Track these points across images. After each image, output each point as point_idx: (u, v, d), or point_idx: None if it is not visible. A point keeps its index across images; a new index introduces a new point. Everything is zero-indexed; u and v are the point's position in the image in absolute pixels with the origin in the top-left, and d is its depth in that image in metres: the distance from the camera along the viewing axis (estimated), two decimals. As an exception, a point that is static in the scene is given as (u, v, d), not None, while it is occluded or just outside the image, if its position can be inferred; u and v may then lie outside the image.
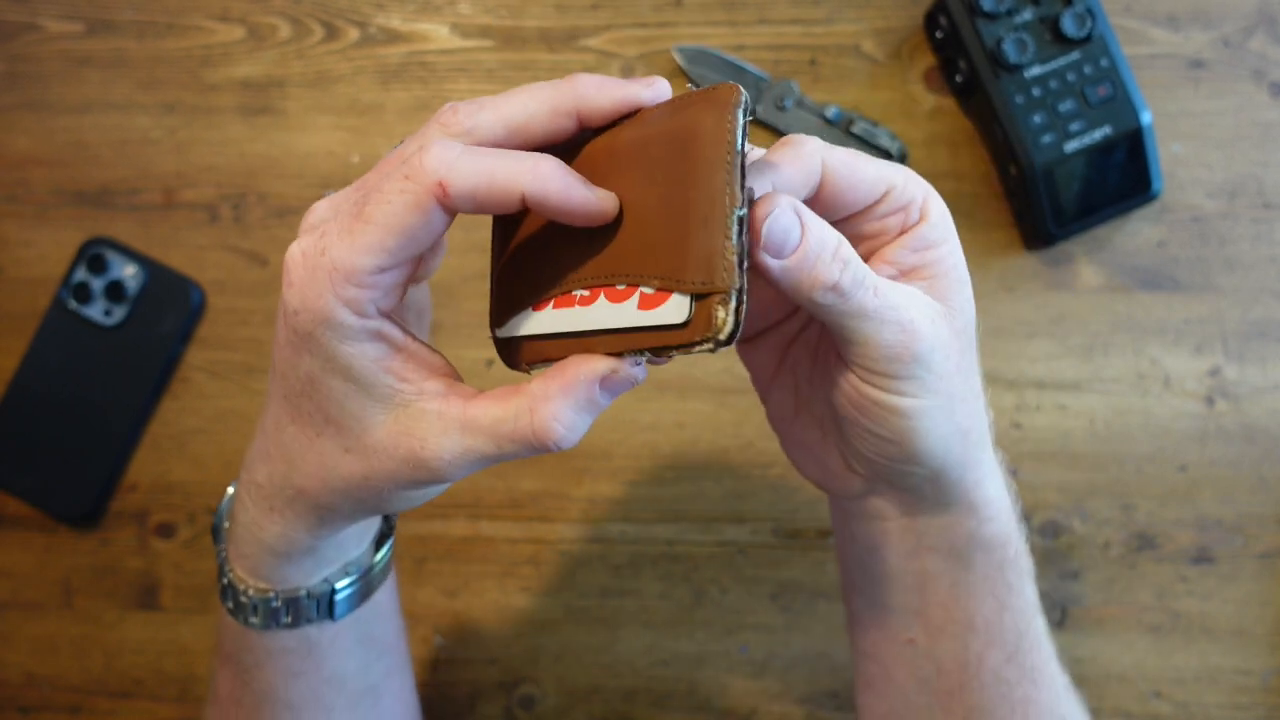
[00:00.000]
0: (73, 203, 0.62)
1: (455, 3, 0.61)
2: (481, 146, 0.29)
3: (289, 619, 0.38)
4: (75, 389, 0.61)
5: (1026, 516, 0.58)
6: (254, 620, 0.37)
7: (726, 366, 0.59)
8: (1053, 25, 0.54)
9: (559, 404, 0.29)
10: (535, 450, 0.30)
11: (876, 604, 0.40)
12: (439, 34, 0.61)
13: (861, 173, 0.32)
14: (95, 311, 0.60)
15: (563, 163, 0.29)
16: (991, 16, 0.54)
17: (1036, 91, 0.55)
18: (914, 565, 0.38)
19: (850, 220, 0.33)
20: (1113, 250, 0.59)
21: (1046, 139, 0.55)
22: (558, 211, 0.29)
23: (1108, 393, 0.58)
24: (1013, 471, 0.58)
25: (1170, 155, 0.59)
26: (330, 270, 0.29)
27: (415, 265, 0.30)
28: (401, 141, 0.32)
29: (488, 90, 0.61)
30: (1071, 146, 0.55)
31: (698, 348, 0.27)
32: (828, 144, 0.32)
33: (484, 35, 0.61)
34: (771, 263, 0.29)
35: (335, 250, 0.29)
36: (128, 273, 0.60)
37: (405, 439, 0.30)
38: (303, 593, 0.37)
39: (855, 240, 0.33)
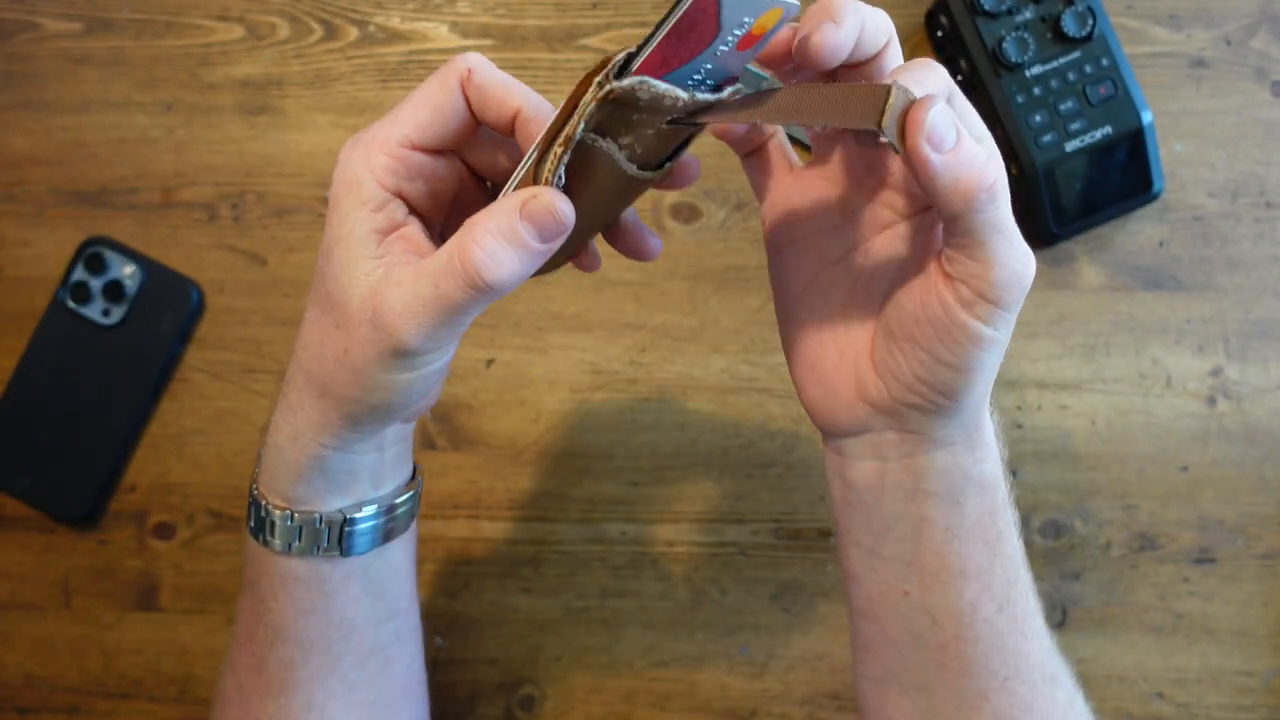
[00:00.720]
0: (71, 202, 0.62)
1: (455, 2, 0.61)
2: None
3: (301, 542, 0.39)
4: (74, 389, 0.61)
5: (1027, 517, 0.58)
6: (271, 540, 0.39)
7: (726, 366, 0.59)
8: (1054, 24, 0.54)
9: (481, 231, 0.31)
10: (473, 288, 0.31)
11: (873, 555, 0.40)
12: (438, 33, 0.61)
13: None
14: (94, 311, 0.60)
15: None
16: (992, 15, 0.54)
17: (1037, 91, 0.55)
18: (911, 509, 0.38)
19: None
20: (1114, 250, 0.59)
21: (1047, 138, 0.55)
22: (536, 135, 0.33)
23: (1109, 393, 0.58)
24: (1013, 473, 0.58)
25: (1172, 154, 0.58)
26: (368, 141, 0.34)
27: (447, 177, 0.35)
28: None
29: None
30: (1072, 146, 0.55)
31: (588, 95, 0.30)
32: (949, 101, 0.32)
33: (484, 34, 0.61)
34: (932, 157, 0.30)
35: (375, 127, 0.34)
36: (126, 272, 0.60)
37: (371, 298, 0.33)
38: (316, 516, 0.38)
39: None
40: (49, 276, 0.61)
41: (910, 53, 0.59)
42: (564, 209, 0.32)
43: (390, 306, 0.32)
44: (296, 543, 0.39)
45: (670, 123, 0.31)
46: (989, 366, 0.34)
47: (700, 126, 0.32)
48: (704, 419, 0.59)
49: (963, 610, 0.38)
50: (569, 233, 0.32)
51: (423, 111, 0.34)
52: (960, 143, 0.30)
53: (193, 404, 0.61)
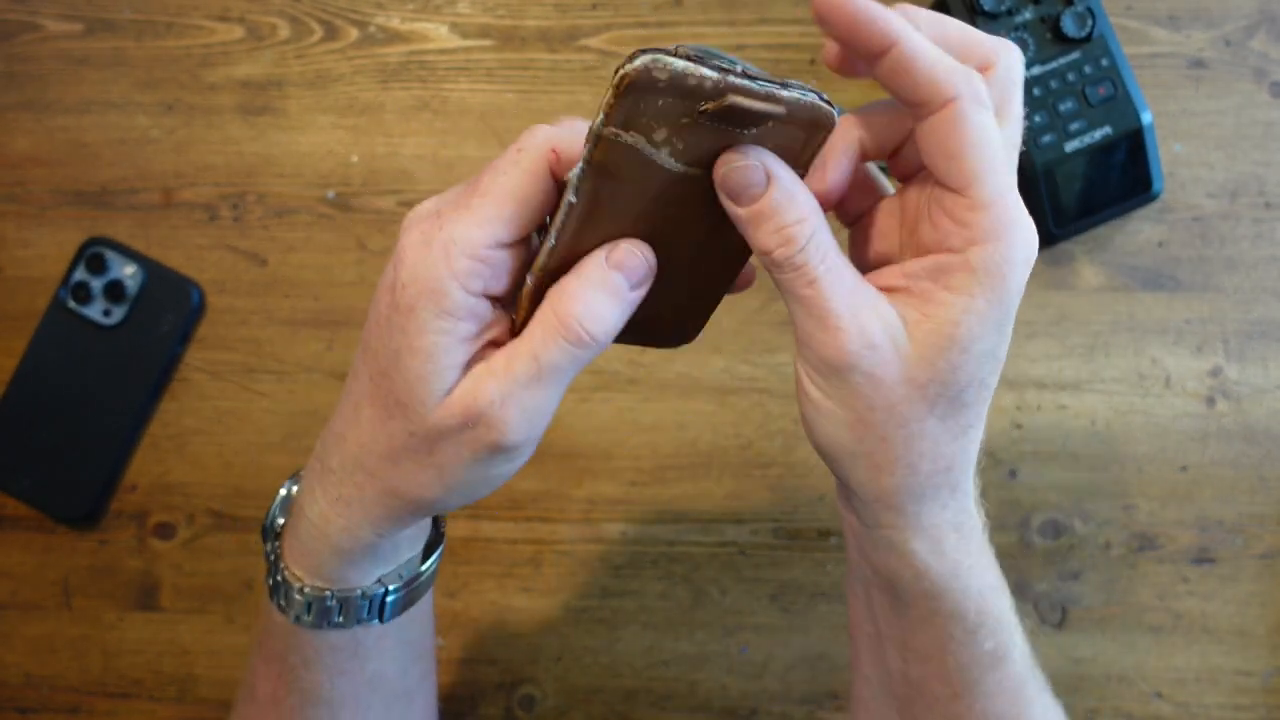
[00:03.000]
0: (72, 202, 0.62)
1: (455, 2, 0.61)
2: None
3: (341, 618, 0.37)
4: (74, 389, 0.61)
5: (1027, 517, 0.58)
6: (305, 618, 0.37)
7: (726, 366, 0.59)
8: (1053, 25, 0.54)
9: (575, 287, 0.30)
10: (572, 346, 0.30)
11: (849, 585, 0.39)
12: (439, 33, 0.61)
13: (963, 150, 0.29)
14: (94, 311, 0.60)
15: None
16: (992, 16, 0.54)
17: (1037, 91, 0.55)
18: (862, 564, 0.37)
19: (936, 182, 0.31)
20: (1113, 250, 0.59)
21: (1047, 139, 0.55)
22: None
23: (1108, 393, 0.58)
24: (1012, 473, 0.58)
25: (1171, 155, 0.59)
26: (447, 244, 0.29)
27: (525, 254, 0.31)
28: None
29: (487, 89, 0.61)
30: (1072, 146, 0.55)
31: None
32: (978, 97, 0.29)
33: (484, 35, 0.61)
34: (727, 204, 0.30)
35: (452, 225, 0.30)
36: (127, 272, 0.60)
37: (458, 401, 0.31)
38: (357, 593, 0.37)
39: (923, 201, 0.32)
40: (50, 277, 0.61)
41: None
42: (648, 252, 0.31)
43: (489, 401, 0.30)
44: (337, 618, 0.37)
45: (704, 114, 0.28)
46: (836, 441, 0.32)
47: (750, 120, 0.29)
48: (704, 419, 0.59)
49: (911, 680, 0.37)
50: (654, 272, 0.31)
51: (509, 206, 0.30)
52: (762, 200, 0.29)
53: (193, 404, 0.61)
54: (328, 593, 0.37)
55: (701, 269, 0.34)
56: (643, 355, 0.59)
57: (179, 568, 0.61)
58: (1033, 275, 0.58)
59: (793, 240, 0.29)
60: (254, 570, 0.61)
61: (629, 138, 0.28)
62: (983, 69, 0.30)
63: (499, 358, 0.31)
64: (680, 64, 0.27)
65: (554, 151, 0.30)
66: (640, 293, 0.31)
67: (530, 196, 0.30)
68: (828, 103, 0.29)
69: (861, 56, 0.30)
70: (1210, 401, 0.58)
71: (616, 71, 0.27)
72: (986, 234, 0.29)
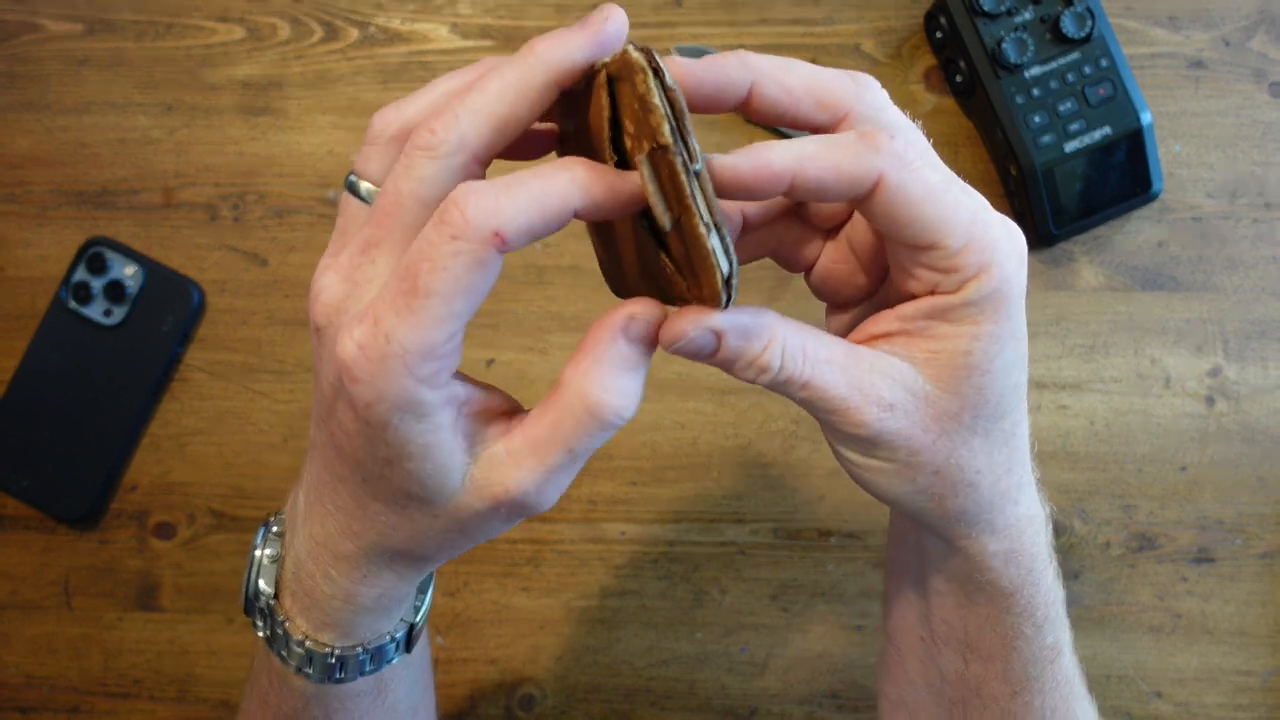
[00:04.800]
0: (72, 203, 0.62)
1: (455, 3, 0.61)
2: (514, 179, 0.27)
3: (373, 665, 0.37)
4: (75, 389, 0.61)
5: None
6: (339, 676, 0.36)
7: (726, 366, 0.59)
8: (1053, 25, 0.54)
9: (599, 372, 0.28)
10: (604, 431, 0.29)
11: (895, 590, 0.39)
12: (439, 34, 0.61)
13: (909, 216, 0.28)
14: (95, 311, 0.60)
15: (591, 161, 0.28)
16: (991, 16, 0.54)
17: (1036, 91, 0.55)
18: (922, 574, 0.37)
19: (888, 243, 0.30)
20: (1113, 250, 0.59)
21: (1046, 139, 0.55)
22: (610, 213, 0.28)
23: (1108, 393, 0.58)
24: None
25: (1170, 155, 0.59)
26: (402, 356, 0.27)
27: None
28: (351, 175, 0.31)
29: (488, 90, 0.61)
30: (1071, 146, 0.55)
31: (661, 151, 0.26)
32: (903, 160, 0.28)
33: (484, 35, 0.61)
34: (685, 357, 0.29)
35: (401, 334, 0.27)
36: (127, 273, 0.60)
37: (486, 489, 0.30)
38: (387, 638, 0.36)
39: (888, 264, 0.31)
40: (50, 277, 0.61)
41: (910, 53, 0.60)
42: (659, 311, 0.29)
43: (523, 490, 0.29)
44: (369, 667, 0.37)
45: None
46: (887, 487, 0.32)
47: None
48: (704, 419, 0.59)
49: (969, 680, 0.37)
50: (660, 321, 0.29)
51: (458, 302, 0.27)
52: (718, 353, 0.29)
53: (193, 404, 0.61)
54: (359, 650, 0.36)
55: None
56: (643, 355, 0.59)
57: (179, 568, 0.61)
58: (1033, 275, 0.59)
59: (767, 368, 0.29)
60: (254, 570, 0.61)
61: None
62: (840, 119, 0.29)
63: (521, 445, 0.29)
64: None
65: (497, 234, 0.26)
66: (654, 348, 0.29)
67: (478, 286, 0.27)
68: (727, 283, 0.27)
69: (768, 196, 0.29)
70: (1210, 401, 0.58)
71: (655, 79, 0.26)
72: (975, 269, 0.29)
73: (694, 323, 0.28)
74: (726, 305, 0.28)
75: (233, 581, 0.61)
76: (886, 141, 0.28)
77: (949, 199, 0.28)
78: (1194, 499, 0.58)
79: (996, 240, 0.29)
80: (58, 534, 0.61)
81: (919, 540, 0.37)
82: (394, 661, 0.37)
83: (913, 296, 0.30)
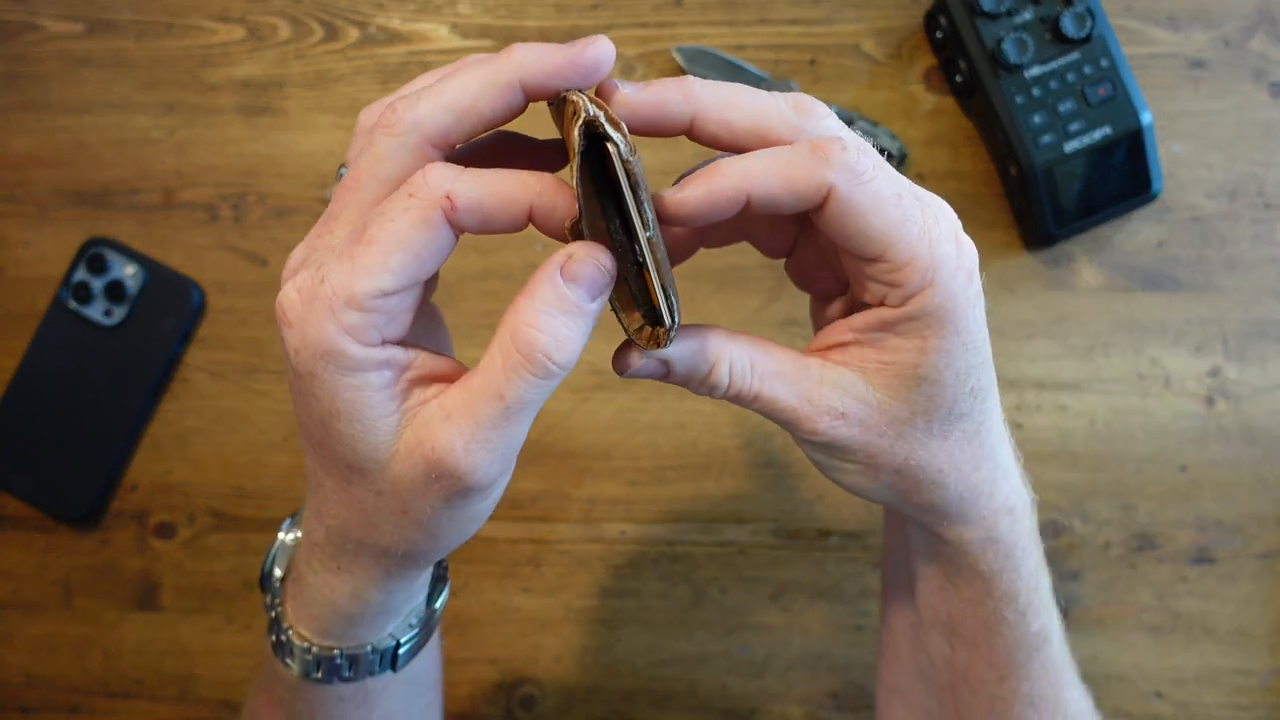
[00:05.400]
0: (72, 203, 0.62)
1: (455, 3, 0.61)
2: (482, 171, 0.28)
3: (351, 673, 0.36)
4: (75, 389, 0.61)
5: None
6: (315, 675, 0.36)
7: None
8: (1053, 25, 0.54)
9: (530, 313, 0.27)
10: (537, 376, 0.28)
11: (888, 573, 0.40)
12: (439, 34, 0.61)
13: (857, 227, 0.28)
14: (95, 311, 0.60)
15: (558, 178, 0.29)
16: (991, 16, 0.54)
17: (1036, 91, 0.55)
18: (910, 560, 0.38)
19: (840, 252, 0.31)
20: (1113, 250, 0.59)
21: (1046, 139, 0.55)
22: (563, 224, 0.28)
23: (1108, 393, 0.58)
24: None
25: (1170, 155, 0.59)
26: (330, 298, 0.27)
27: (423, 291, 0.29)
28: (342, 167, 0.31)
29: (488, 90, 0.61)
30: (1071, 146, 0.55)
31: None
32: (853, 171, 0.28)
33: (484, 35, 0.61)
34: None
35: (335, 276, 0.27)
36: (128, 273, 0.60)
37: (417, 451, 0.28)
38: (368, 649, 0.36)
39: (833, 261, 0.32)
40: (50, 277, 0.61)
41: (910, 53, 0.60)
42: (604, 258, 0.28)
43: (450, 449, 0.28)
44: (346, 673, 0.37)
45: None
46: (858, 484, 0.33)
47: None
48: (704, 419, 0.59)
49: (955, 665, 0.38)
50: (614, 276, 0.29)
51: (395, 255, 0.27)
52: (670, 376, 0.31)
53: (194, 404, 0.61)
54: (336, 652, 0.36)
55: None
56: (643, 355, 0.59)
57: (179, 567, 0.61)
58: (1033, 275, 0.59)
59: (716, 386, 0.30)
60: (254, 570, 0.60)
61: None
62: (787, 138, 0.29)
63: (454, 398, 0.28)
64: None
65: (449, 198, 0.27)
66: (601, 302, 0.28)
67: (419, 246, 0.27)
68: (668, 333, 0.29)
69: (720, 219, 0.29)
70: (1209, 401, 0.58)
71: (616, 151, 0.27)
72: (918, 285, 0.29)
73: (641, 353, 0.30)
74: (667, 346, 0.30)
75: (233, 581, 0.61)
76: (838, 153, 0.28)
77: (896, 213, 0.28)
78: (1194, 499, 0.58)
79: (943, 257, 0.29)
80: (58, 534, 0.61)
81: (902, 526, 0.38)
82: (377, 674, 0.37)
83: (864, 306, 0.31)
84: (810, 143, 0.28)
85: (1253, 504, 0.58)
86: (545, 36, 0.61)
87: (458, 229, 0.28)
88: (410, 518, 0.30)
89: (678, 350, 0.30)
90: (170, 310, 0.60)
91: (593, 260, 0.28)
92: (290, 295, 0.28)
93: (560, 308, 0.28)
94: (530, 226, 0.29)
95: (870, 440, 0.31)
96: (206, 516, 0.61)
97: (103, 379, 0.61)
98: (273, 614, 0.37)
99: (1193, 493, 0.58)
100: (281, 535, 0.38)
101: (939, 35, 0.57)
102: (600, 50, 0.28)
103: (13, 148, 0.62)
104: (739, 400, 0.31)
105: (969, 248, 0.30)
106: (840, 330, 0.31)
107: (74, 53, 0.62)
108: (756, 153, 0.28)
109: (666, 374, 0.30)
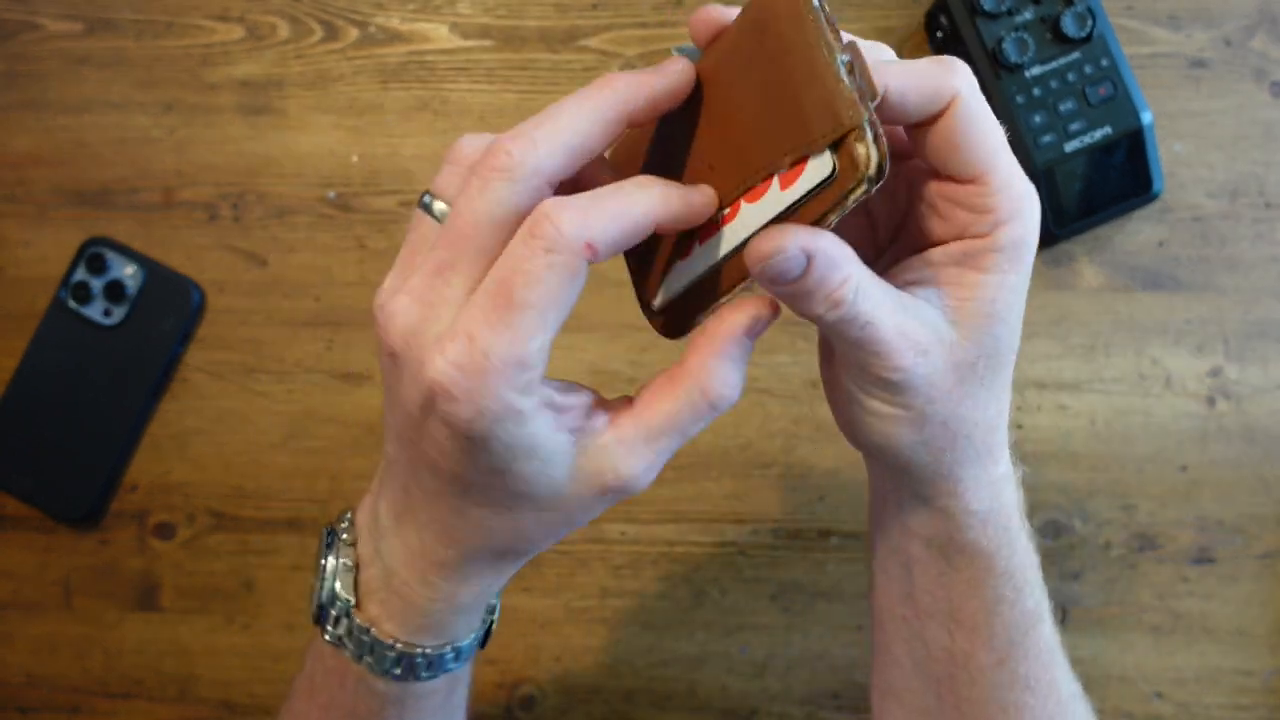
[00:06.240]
0: (72, 202, 0.62)
1: (455, 2, 0.61)
2: (597, 196, 0.29)
3: (455, 662, 0.37)
4: (75, 389, 0.61)
5: (1026, 517, 0.58)
6: (427, 674, 0.37)
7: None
8: (1053, 25, 0.54)
9: (720, 369, 0.30)
10: (716, 412, 0.31)
11: (879, 569, 0.40)
12: (439, 34, 0.61)
13: (970, 141, 0.29)
14: (95, 311, 0.60)
15: (661, 179, 0.30)
16: (992, 16, 0.54)
17: (1037, 91, 0.55)
18: (903, 543, 0.37)
19: (927, 178, 0.31)
20: (1114, 250, 0.59)
21: (1047, 139, 0.55)
22: (684, 225, 0.30)
23: (1108, 393, 0.58)
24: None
25: (1171, 155, 0.59)
26: (500, 369, 0.28)
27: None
28: (426, 194, 0.31)
29: (487, 89, 0.61)
30: (1072, 146, 0.55)
31: (854, 195, 0.26)
32: (974, 87, 0.29)
33: (484, 35, 0.61)
34: (764, 285, 0.29)
35: (498, 347, 0.27)
36: (127, 272, 0.60)
37: (596, 479, 0.31)
38: (472, 635, 0.37)
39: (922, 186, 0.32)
40: (50, 277, 0.61)
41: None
42: (771, 310, 0.30)
43: (635, 476, 0.31)
44: (451, 664, 0.37)
45: None
46: (893, 436, 0.33)
47: None
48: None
49: (955, 655, 0.37)
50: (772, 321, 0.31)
51: (551, 314, 0.28)
52: (803, 279, 0.28)
53: (193, 404, 0.61)
54: (447, 648, 0.36)
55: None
56: (643, 354, 0.59)
57: (179, 568, 0.61)
58: (1033, 275, 0.59)
59: (841, 302, 0.29)
60: (253, 570, 0.61)
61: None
62: (952, 101, 0.30)
63: (631, 431, 0.31)
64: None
65: (589, 246, 0.27)
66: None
67: (570, 297, 0.28)
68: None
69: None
70: (1210, 401, 0.58)
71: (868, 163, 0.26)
72: (1009, 214, 0.30)
73: (792, 238, 0.28)
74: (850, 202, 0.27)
75: (232, 581, 0.61)
76: (960, 65, 0.29)
77: (1001, 137, 0.30)
78: (1194, 499, 0.58)
79: (1026, 194, 0.30)
80: (58, 534, 0.61)
81: (899, 505, 0.37)
82: (451, 669, 0.37)
83: (938, 243, 0.31)
84: (931, 58, 0.29)
85: (1253, 504, 0.58)
86: (545, 36, 0.61)
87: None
88: (568, 523, 0.33)
89: (827, 243, 0.28)
90: (170, 310, 0.60)
91: (766, 314, 0.30)
92: (447, 371, 0.28)
93: (742, 359, 0.31)
94: None
95: (936, 383, 0.31)
96: (206, 516, 0.61)
97: (102, 379, 0.61)
98: (364, 636, 0.36)
99: (1193, 493, 0.58)
100: (330, 561, 0.37)
101: (939, 35, 0.57)
102: (685, 73, 0.30)
103: (12, 147, 0.62)
104: (846, 325, 0.29)
105: (1037, 198, 0.31)
106: (916, 266, 0.32)
107: (73, 52, 0.62)
108: (877, 56, 0.30)
109: (799, 277, 0.28)
